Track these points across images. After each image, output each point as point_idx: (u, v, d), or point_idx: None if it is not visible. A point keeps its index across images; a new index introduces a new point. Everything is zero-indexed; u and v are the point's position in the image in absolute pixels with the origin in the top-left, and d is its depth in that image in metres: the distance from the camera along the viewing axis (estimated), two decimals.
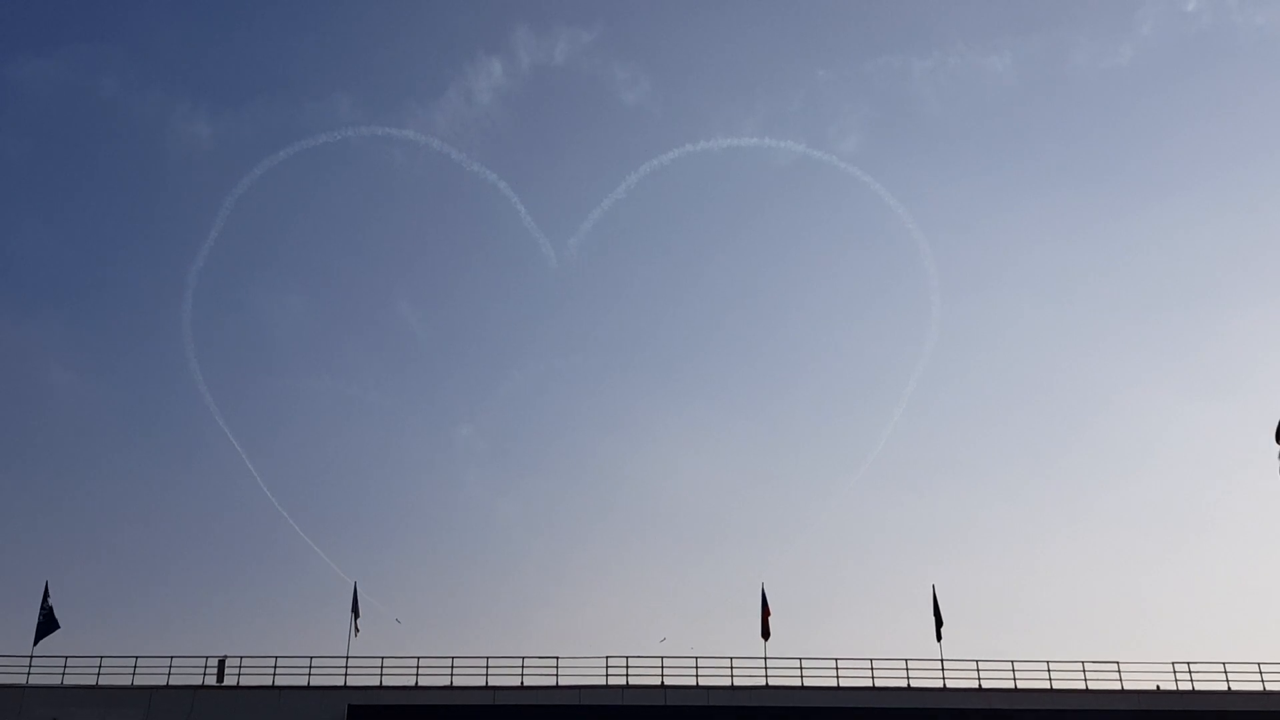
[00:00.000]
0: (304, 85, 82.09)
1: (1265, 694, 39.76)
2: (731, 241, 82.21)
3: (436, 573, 68.49)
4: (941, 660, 40.26)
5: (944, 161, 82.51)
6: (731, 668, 39.58)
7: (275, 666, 38.59)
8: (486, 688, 38.62)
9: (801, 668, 39.60)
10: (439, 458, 76.02)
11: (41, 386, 72.40)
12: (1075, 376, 77.75)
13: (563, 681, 38.90)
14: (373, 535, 68.00)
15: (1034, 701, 38.80)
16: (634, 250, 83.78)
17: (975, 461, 79.45)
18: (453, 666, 39.07)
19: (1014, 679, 39.44)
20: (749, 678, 39.51)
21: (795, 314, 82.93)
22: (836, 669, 39.45)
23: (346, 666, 39.08)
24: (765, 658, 40.12)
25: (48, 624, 38.25)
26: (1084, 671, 39.60)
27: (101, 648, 40.97)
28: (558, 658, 39.27)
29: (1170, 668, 40.04)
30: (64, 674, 37.79)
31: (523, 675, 39.04)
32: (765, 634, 41.08)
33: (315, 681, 38.59)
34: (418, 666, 39.07)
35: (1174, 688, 39.65)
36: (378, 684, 38.74)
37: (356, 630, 40.73)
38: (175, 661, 38.40)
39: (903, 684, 39.53)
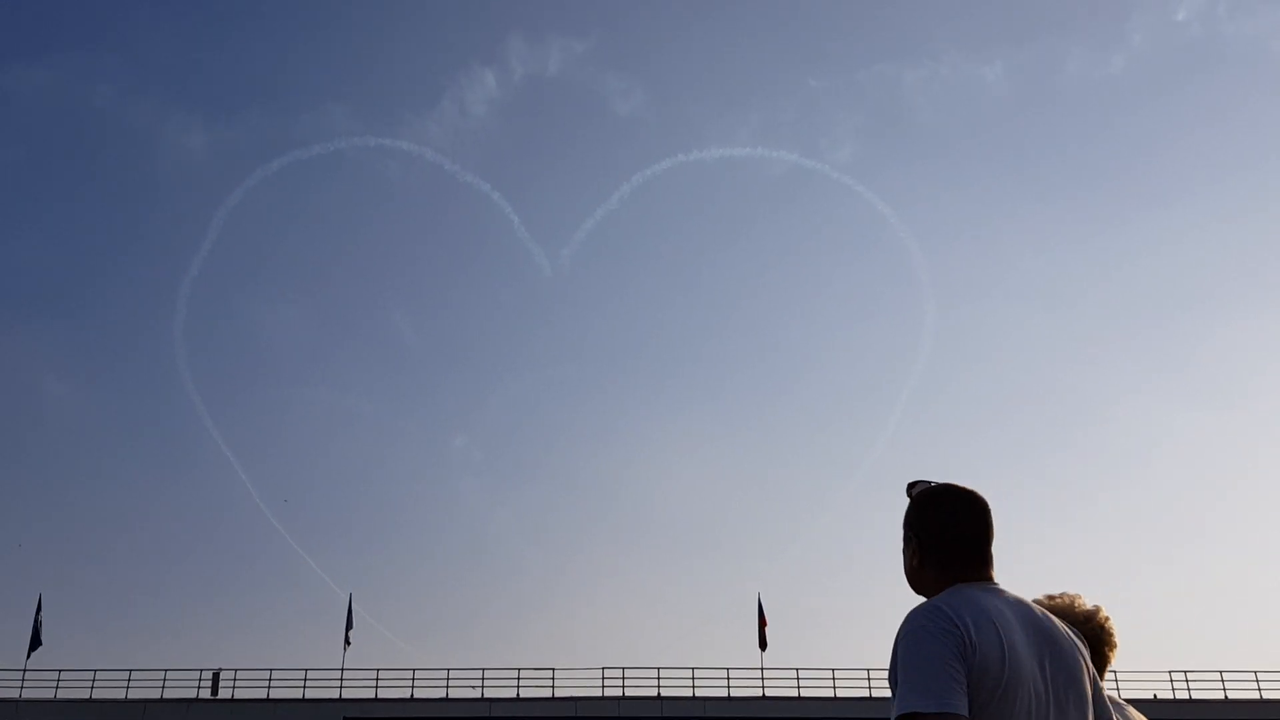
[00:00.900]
0: (299, 95, 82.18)
1: (1262, 702, 39.72)
2: (725, 250, 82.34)
3: (431, 583, 68.28)
4: None
5: (937, 170, 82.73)
6: (728, 678, 39.49)
7: (270, 679, 38.46)
8: (482, 699, 38.50)
9: (798, 678, 39.53)
10: (433, 467, 75.88)
11: (35, 396, 72.25)
12: (1070, 385, 77.85)
13: (558, 693, 38.79)
14: (367, 545, 67.79)
15: None
16: (628, 259, 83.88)
17: (970, 469, 79.63)
18: (448, 679, 38.97)
19: None
20: (746, 688, 39.42)
21: (790, 323, 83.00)
22: (833, 680, 39.37)
23: (341, 679, 38.96)
24: (762, 668, 40.05)
25: (36, 639, 38.09)
26: None
27: (95, 661, 40.92)
28: (553, 669, 39.19)
29: (1167, 676, 40.04)
30: (57, 688, 37.64)
31: (518, 687, 38.94)
32: (762, 644, 40.99)
33: (310, 694, 38.45)
34: (413, 679, 38.97)
35: (1171, 696, 39.62)
36: (373, 696, 38.60)
37: (348, 642, 40.58)
38: (169, 675, 38.28)
39: None
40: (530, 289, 77.88)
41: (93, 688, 37.75)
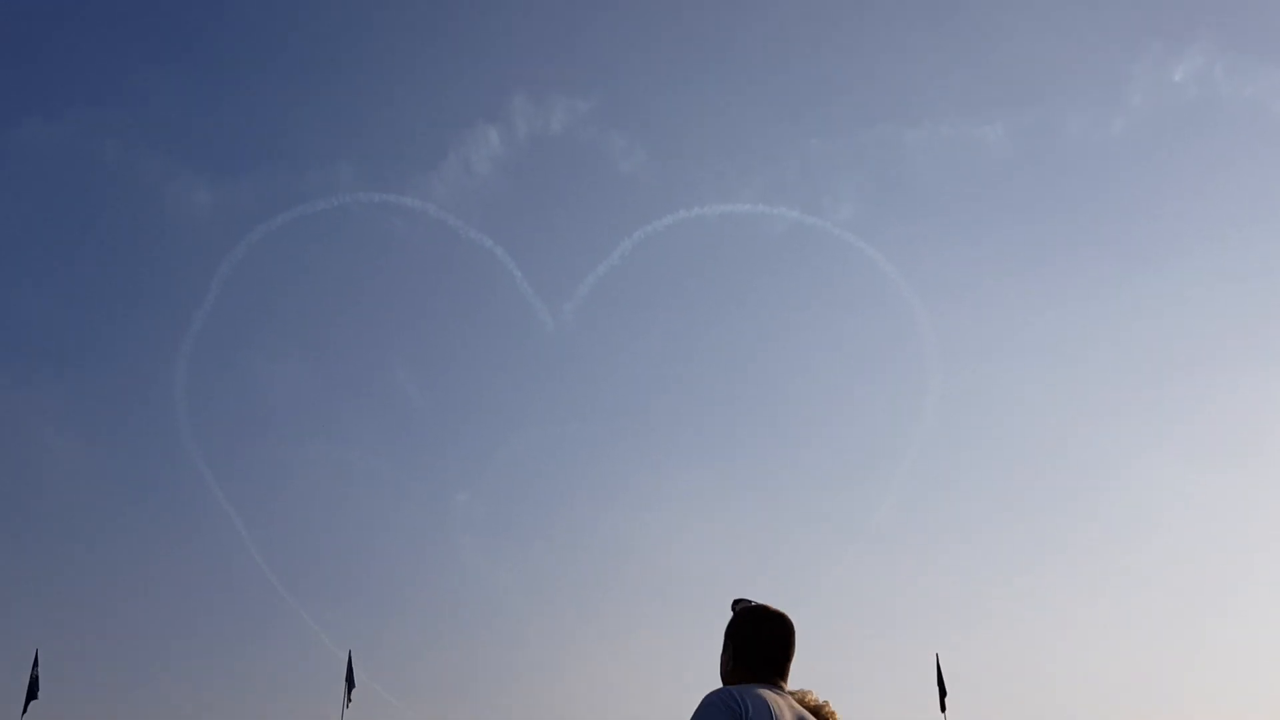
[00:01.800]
0: (304, 152, 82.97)
1: None
2: (729, 307, 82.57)
3: (433, 643, 67.40)
4: None
5: (939, 230, 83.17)
6: None
7: None
8: None
9: None
10: (435, 525, 75.32)
11: (35, 451, 72.00)
12: (1077, 445, 77.40)
13: None
14: (368, 604, 67.02)
15: None
16: (631, 315, 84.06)
17: (978, 529, 78.84)
18: None
19: None
20: None
21: (795, 381, 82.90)
22: None
23: None
24: None
25: (33, 692, 37.56)
26: None
27: (92, 719, 40.23)
28: None
29: None
30: None
31: None
32: None
33: None
34: None
35: None
36: None
37: (349, 700, 39.93)
38: None
39: None
40: (533, 345, 77.97)
41: None
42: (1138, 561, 71.26)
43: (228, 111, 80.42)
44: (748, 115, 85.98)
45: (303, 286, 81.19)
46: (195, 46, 79.41)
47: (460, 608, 70.79)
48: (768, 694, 3.27)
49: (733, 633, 3.59)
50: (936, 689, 40.95)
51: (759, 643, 3.59)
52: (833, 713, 3.81)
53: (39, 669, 37.82)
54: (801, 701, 3.81)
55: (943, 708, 40.63)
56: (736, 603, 3.63)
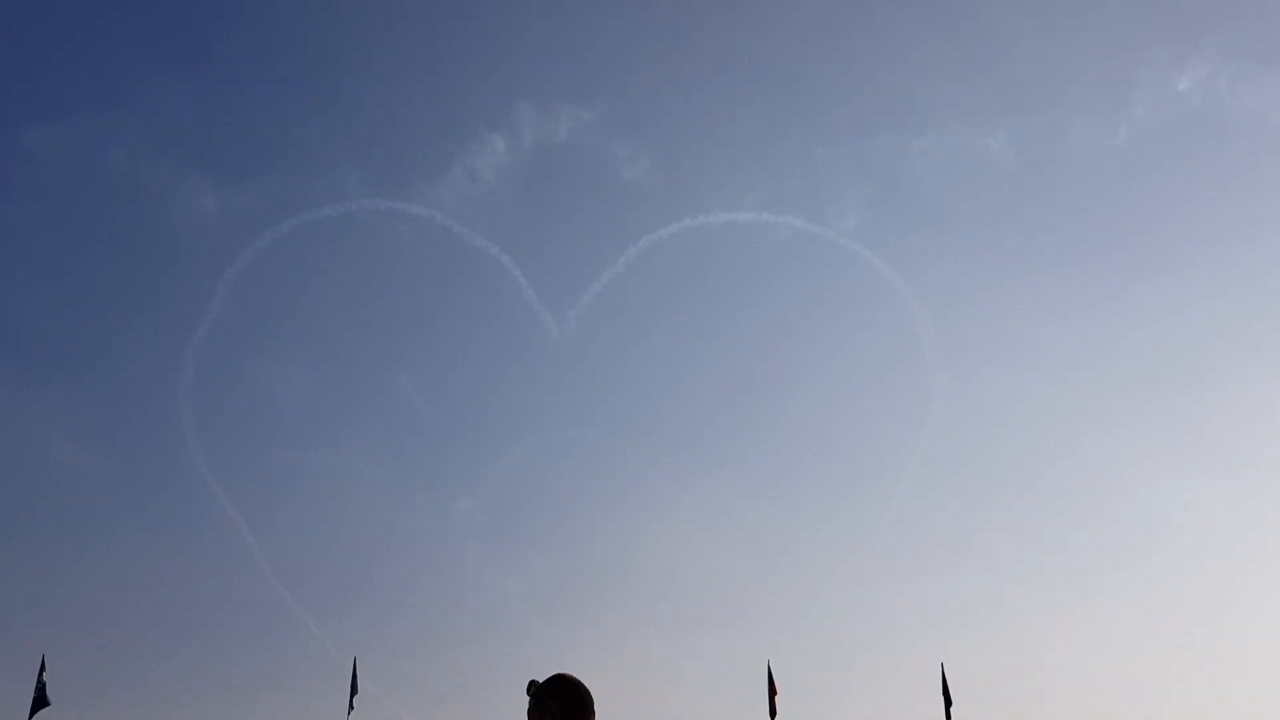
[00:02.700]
0: (311, 159, 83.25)
1: None
2: (733, 314, 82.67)
3: (436, 650, 67.38)
4: None
5: (942, 239, 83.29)
6: None
7: None
8: None
9: None
10: (439, 532, 75.35)
11: (42, 457, 72.06)
12: (1079, 454, 77.36)
13: None
14: (372, 611, 67.01)
15: None
16: (635, 322, 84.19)
17: (982, 538, 78.77)
18: None
19: None
20: None
21: (799, 388, 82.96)
22: None
23: None
24: None
25: (41, 700, 37.54)
26: None
27: None
28: None
29: None
30: None
31: None
32: (772, 713, 40.37)
33: None
34: None
35: None
36: None
37: (352, 707, 39.91)
38: None
39: None
40: (538, 352, 78.07)
41: None
42: (1140, 569, 71.10)
43: (234, 118, 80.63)
44: (752, 124, 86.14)
45: (308, 293, 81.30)
46: (203, 54, 79.61)
47: (463, 614, 70.75)
48: None
49: (540, 705, 4.21)
50: (942, 698, 40.92)
51: (579, 703, 4.18)
52: None
53: (45, 675, 37.81)
54: None
55: (948, 716, 40.58)
56: (531, 684, 4.25)
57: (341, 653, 59.54)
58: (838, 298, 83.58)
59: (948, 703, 40.73)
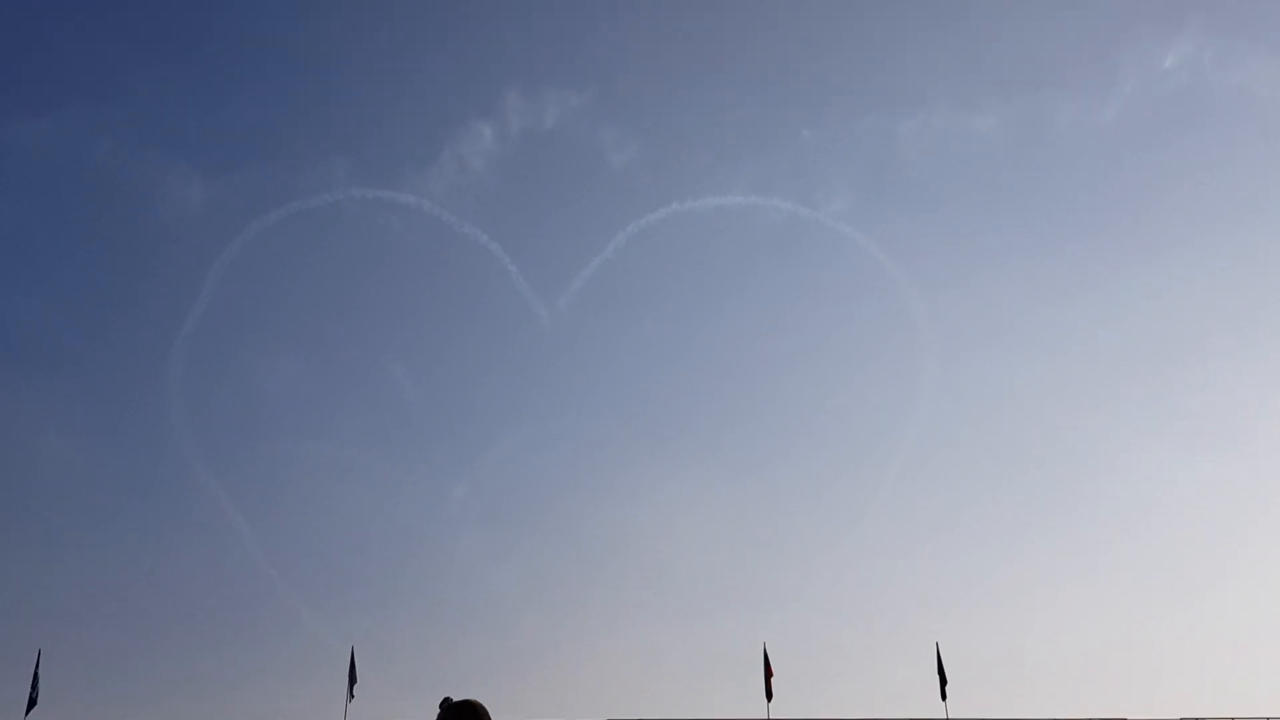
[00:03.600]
0: (299, 150, 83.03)
1: None
2: (724, 299, 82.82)
3: (431, 637, 67.61)
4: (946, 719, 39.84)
5: (932, 220, 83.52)
6: None
7: None
8: None
9: None
10: (432, 520, 75.52)
11: (35, 451, 71.98)
12: (1072, 434, 77.83)
13: None
14: (366, 600, 67.21)
15: None
16: (625, 308, 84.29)
17: (975, 517, 79.26)
18: None
19: None
20: None
21: (790, 372, 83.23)
22: None
23: None
24: None
25: (35, 691, 37.57)
26: None
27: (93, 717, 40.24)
28: None
29: None
30: None
31: None
32: (769, 695, 40.60)
33: None
34: None
35: None
36: None
37: (351, 696, 40.08)
38: None
39: None
40: (528, 339, 78.15)
41: None
42: (1133, 548, 71.61)
43: (221, 109, 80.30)
44: (740, 108, 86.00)
45: (297, 283, 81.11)
46: (189, 45, 79.15)
47: (458, 600, 70.96)
48: None
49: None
50: (937, 678, 41.20)
51: None
52: None
53: (40, 669, 37.84)
54: None
55: (943, 695, 40.87)
56: (443, 702, 5.20)
57: (339, 641, 59.59)
58: (828, 280, 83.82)
59: (943, 681, 41.02)
